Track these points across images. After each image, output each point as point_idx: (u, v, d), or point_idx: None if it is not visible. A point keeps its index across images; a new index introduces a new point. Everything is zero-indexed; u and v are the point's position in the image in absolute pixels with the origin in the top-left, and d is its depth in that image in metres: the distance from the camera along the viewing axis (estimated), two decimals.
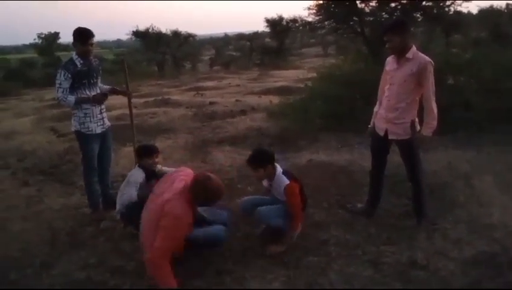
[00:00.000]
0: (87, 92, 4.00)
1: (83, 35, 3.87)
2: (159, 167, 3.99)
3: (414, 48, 3.40)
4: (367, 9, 9.37)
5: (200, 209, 3.28)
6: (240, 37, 41.09)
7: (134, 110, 9.89)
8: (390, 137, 3.56)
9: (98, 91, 4.13)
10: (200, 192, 2.86)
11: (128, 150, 6.42)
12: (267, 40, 33.59)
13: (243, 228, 3.78)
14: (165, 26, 66.44)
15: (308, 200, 3.76)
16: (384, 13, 9.12)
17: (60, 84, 3.84)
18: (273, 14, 37.81)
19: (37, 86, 23.87)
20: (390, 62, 3.58)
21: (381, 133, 3.61)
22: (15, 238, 3.85)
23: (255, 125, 7.62)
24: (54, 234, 3.80)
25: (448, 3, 9.44)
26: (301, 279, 2.98)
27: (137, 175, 3.81)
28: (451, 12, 10.50)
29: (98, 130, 4.10)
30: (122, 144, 6.72)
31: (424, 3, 9.19)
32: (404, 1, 8.99)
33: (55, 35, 41.81)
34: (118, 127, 7.92)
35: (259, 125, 7.59)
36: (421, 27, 10.10)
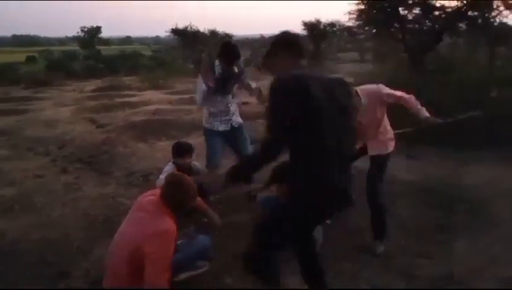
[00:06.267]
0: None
1: (229, 54, 3.78)
2: (195, 164, 4.04)
3: None
4: (409, 17, 9.19)
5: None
6: None
7: (170, 106, 10.13)
8: None
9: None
10: (174, 191, 2.58)
11: (163, 144, 6.56)
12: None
13: None
14: (203, 26, 67.39)
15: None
16: (427, 21, 8.92)
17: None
18: (310, 18, 37.55)
19: (77, 77, 24.70)
20: None
21: None
22: (54, 222, 4.01)
23: None
24: (90, 221, 3.92)
25: (493, 14, 9.13)
26: (331, 283, 2.94)
27: (168, 168, 3.88)
28: (496, 24, 10.13)
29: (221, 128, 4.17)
30: (157, 138, 6.86)
31: (469, 13, 8.91)
32: (449, 10, 8.75)
33: (97, 30, 43.20)
34: (154, 121, 8.13)
35: None
36: (464, 37, 9.80)
